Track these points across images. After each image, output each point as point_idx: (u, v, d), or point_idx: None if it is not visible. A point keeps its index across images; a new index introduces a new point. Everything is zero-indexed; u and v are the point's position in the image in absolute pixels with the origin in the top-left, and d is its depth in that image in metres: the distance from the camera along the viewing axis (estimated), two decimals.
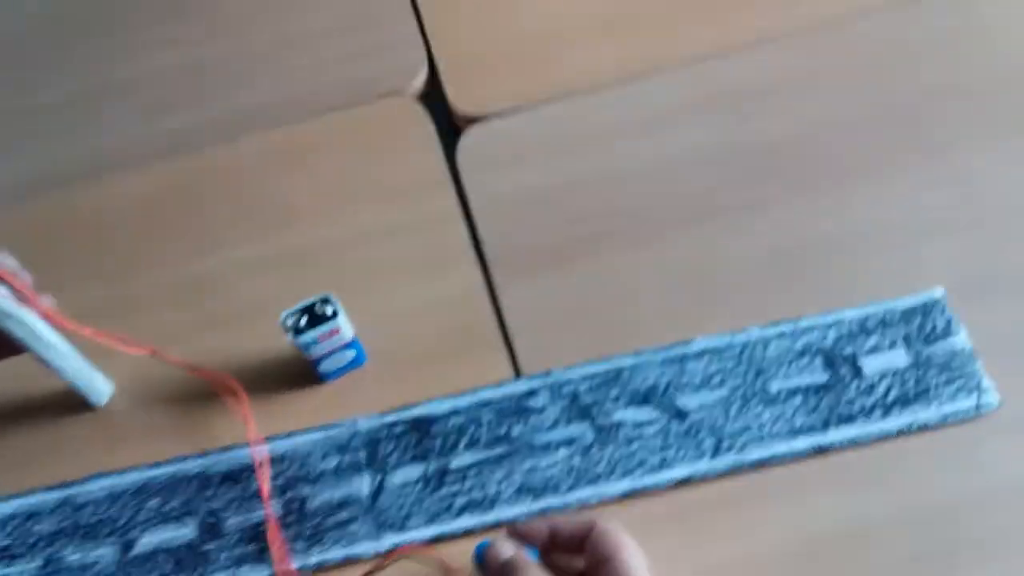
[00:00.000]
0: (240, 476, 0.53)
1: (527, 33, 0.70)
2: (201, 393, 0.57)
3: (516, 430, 0.53)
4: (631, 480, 0.51)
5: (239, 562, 0.51)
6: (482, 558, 0.46)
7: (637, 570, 0.44)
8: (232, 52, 0.72)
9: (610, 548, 0.44)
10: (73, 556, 0.52)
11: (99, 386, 0.57)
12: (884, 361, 0.53)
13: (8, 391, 0.58)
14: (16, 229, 0.64)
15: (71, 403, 0.57)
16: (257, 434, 0.54)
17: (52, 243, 0.64)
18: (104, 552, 0.52)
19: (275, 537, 0.50)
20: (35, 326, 0.51)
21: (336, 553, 0.50)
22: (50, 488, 0.54)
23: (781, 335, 0.54)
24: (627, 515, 0.50)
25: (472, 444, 0.53)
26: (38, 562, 0.52)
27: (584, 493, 0.51)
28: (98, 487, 0.54)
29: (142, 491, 0.53)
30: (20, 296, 0.51)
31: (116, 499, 0.53)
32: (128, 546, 0.52)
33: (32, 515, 0.53)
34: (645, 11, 0.69)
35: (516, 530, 0.47)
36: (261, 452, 0.53)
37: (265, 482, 0.52)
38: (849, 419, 0.51)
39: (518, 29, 0.70)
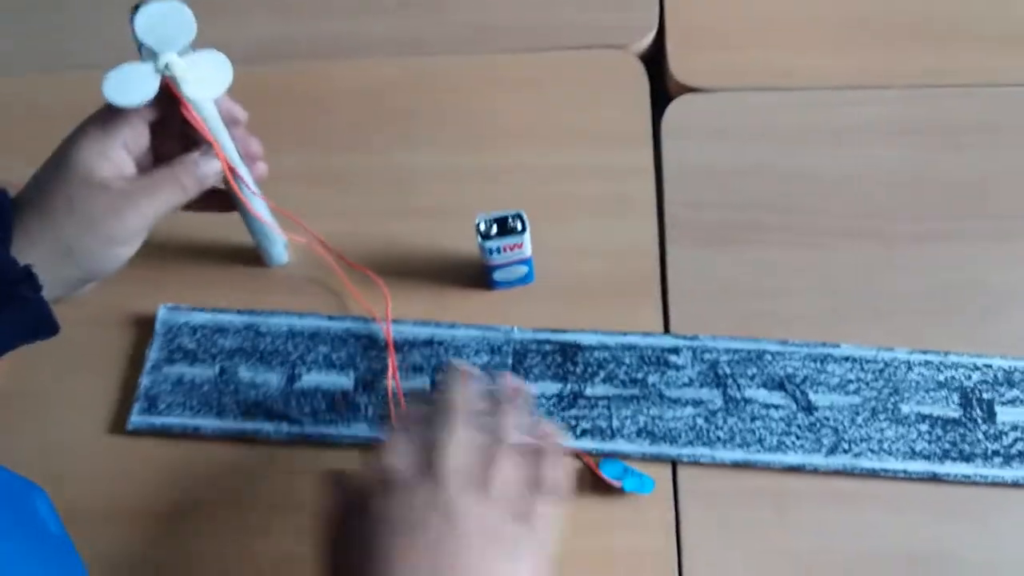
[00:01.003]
0: (401, 348, 0.59)
1: (758, 20, 0.72)
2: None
3: (652, 378, 0.57)
4: (745, 452, 0.55)
5: (382, 419, 0.57)
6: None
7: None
8: None
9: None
10: (246, 373, 0.59)
11: (280, 251, 0.63)
12: (1019, 415, 0.54)
13: (206, 238, 0.65)
14: (248, 89, 0.71)
15: (257, 258, 0.64)
16: (389, 319, 0.60)
17: (278, 107, 0.70)
18: (272, 377, 0.59)
19: (393, 408, 0.57)
20: (251, 185, 0.57)
21: None
22: (240, 312, 0.61)
23: (926, 363, 0.56)
24: (731, 484, 0.54)
25: (609, 379, 0.57)
26: (215, 370, 0.60)
27: (698, 451, 0.55)
28: (280, 322, 0.61)
29: (316, 336, 0.60)
30: (245, 158, 0.56)
31: (293, 336, 0.60)
32: (293, 378, 0.59)
33: (220, 330, 0.61)
34: (882, 30, 0.71)
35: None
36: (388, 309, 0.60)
37: (393, 358, 0.58)
38: (968, 458, 0.53)
39: (750, 15, 0.72)
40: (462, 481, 0.44)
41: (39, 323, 0.51)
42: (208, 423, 0.58)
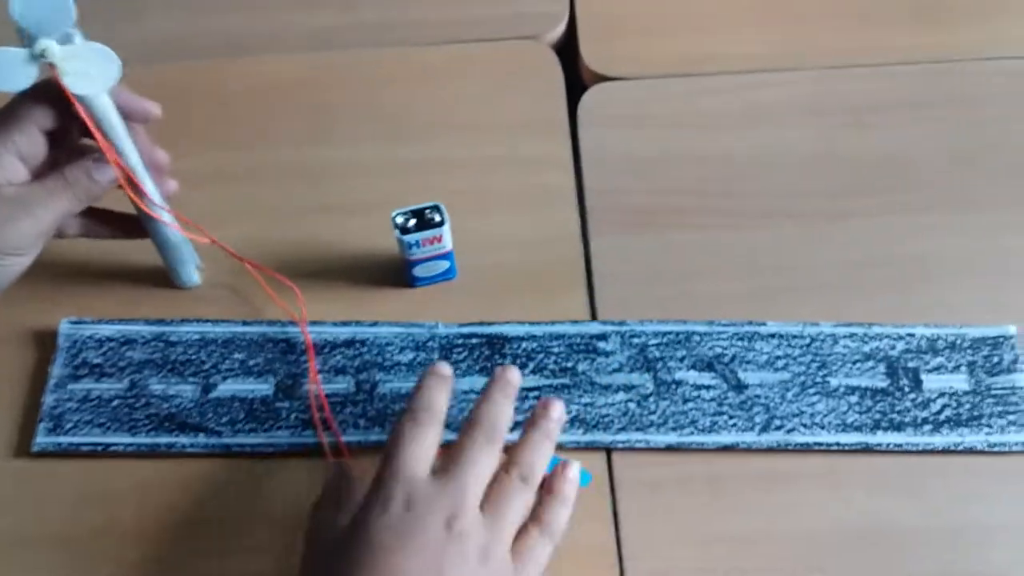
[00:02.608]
0: (322, 350, 0.57)
1: (668, 7, 0.72)
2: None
3: (582, 367, 0.56)
4: (679, 435, 0.54)
5: (305, 425, 0.55)
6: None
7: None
8: None
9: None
10: (157, 386, 0.56)
11: (191, 271, 0.59)
12: (944, 381, 0.55)
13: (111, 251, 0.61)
14: (151, 87, 0.68)
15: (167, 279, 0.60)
16: (305, 320, 0.58)
17: (183, 107, 0.68)
18: (186, 388, 0.56)
19: (325, 408, 0.55)
20: (154, 196, 0.54)
21: None
22: (149, 321, 0.58)
23: (851, 336, 0.56)
24: (666, 469, 0.54)
25: (539, 369, 0.56)
26: (124, 384, 0.56)
27: (632, 436, 0.54)
28: (191, 330, 0.58)
29: (230, 343, 0.58)
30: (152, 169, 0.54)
31: (206, 345, 0.58)
32: (208, 388, 0.56)
33: (127, 342, 0.58)
34: (789, 12, 0.72)
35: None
36: (312, 335, 0.58)
37: (313, 361, 0.56)
38: (899, 427, 0.53)
39: (661, 3, 0.72)
40: (476, 499, 0.45)
41: None
42: (119, 440, 0.55)
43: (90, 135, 0.49)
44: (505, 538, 0.44)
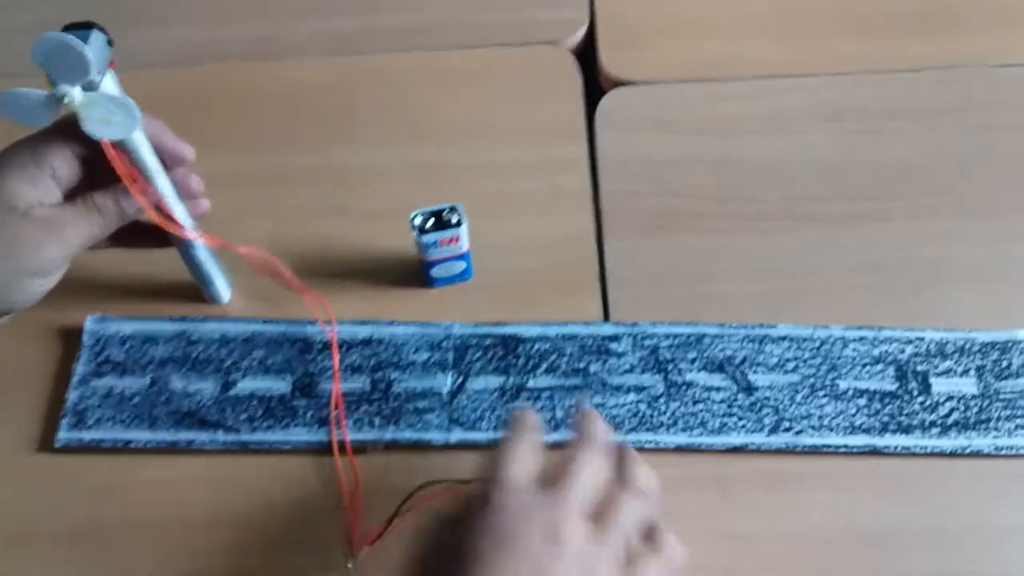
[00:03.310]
0: (339, 349, 0.58)
1: (687, 14, 0.73)
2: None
3: (594, 367, 0.57)
4: (688, 436, 0.55)
5: (322, 423, 0.56)
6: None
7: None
8: None
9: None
10: (178, 383, 0.58)
11: (220, 289, 0.60)
12: (953, 385, 0.55)
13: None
14: (178, 90, 0.70)
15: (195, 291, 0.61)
16: (330, 318, 0.59)
17: (208, 110, 0.70)
18: (205, 386, 0.57)
19: (340, 408, 0.56)
20: (186, 225, 0.55)
21: (408, 435, 0.55)
22: (171, 319, 0.60)
23: (861, 339, 0.57)
24: (676, 470, 0.54)
25: (551, 370, 0.57)
26: (146, 381, 0.58)
27: (642, 437, 0.55)
28: (212, 328, 0.59)
29: (250, 341, 0.59)
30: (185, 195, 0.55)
31: (226, 343, 0.59)
32: (228, 385, 0.57)
33: (150, 339, 0.59)
34: (806, 19, 0.72)
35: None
36: (334, 334, 0.58)
37: (337, 361, 0.57)
38: (907, 429, 0.54)
39: (678, 8, 0.73)
40: (581, 508, 0.43)
41: None
42: (140, 436, 0.56)
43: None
44: (611, 549, 0.43)
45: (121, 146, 0.49)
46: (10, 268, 0.50)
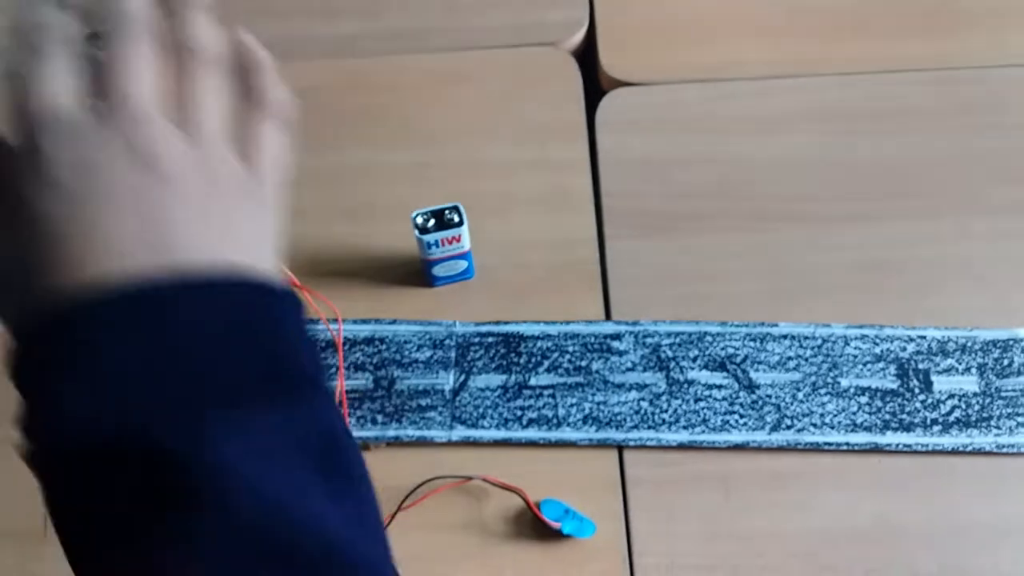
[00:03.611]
0: (343, 346, 0.58)
1: (685, 15, 0.73)
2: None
3: (596, 365, 0.57)
4: (690, 433, 0.55)
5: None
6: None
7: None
8: None
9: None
10: None
11: None
12: (955, 383, 0.55)
13: None
14: None
15: None
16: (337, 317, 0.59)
17: None
18: None
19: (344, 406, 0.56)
20: None
21: (411, 432, 0.55)
22: None
23: (862, 337, 0.57)
24: (677, 468, 0.55)
25: (553, 368, 0.57)
26: None
27: (644, 435, 0.55)
28: None
29: None
30: None
31: None
32: None
33: None
34: (804, 20, 0.72)
35: None
36: (340, 334, 0.59)
37: (342, 360, 0.58)
38: (908, 427, 0.54)
39: (677, 10, 0.73)
40: (156, 111, 0.31)
41: None
42: None
43: None
44: (217, 140, 0.32)
45: None
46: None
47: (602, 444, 0.55)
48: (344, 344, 0.59)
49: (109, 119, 0.30)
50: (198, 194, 0.31)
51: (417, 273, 0.61)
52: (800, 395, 0.55)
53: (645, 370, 0.57)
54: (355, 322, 0.59)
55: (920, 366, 0.56)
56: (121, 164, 0.30)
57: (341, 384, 0.57)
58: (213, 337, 0.29)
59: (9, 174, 0.30)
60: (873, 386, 0.55)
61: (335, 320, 0.59)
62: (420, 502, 0.52)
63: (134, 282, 0.28)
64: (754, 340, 0.57)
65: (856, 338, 0.57)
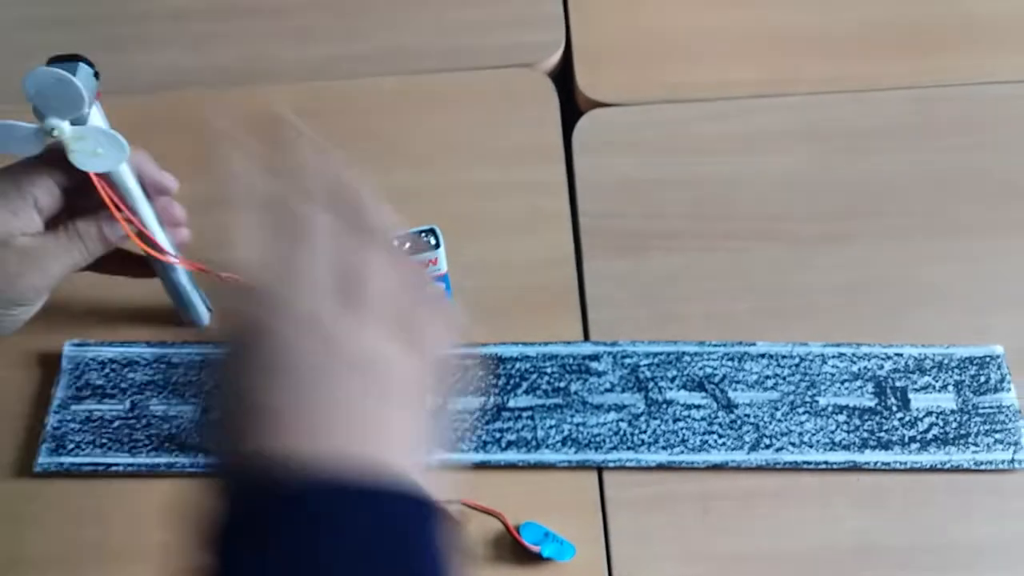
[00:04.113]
0: None
1: (661, 36, 0.74)
2: None
3: (574, 386, 0.57)
4: (669, 454, 0.55)
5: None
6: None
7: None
8: None
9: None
10: (158, 407, 0.57)
11: (200, 312, 0.60)
12: (932, 400, 0.55)
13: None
14: (155, 116, 0.70)
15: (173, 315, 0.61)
16: None
17: (185, 135, 0.69)
18: (186, 409, 0.57)
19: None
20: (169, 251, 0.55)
21: None
22: (150, 344, 0.60)
23: (840, 355, 0.57)
24: (657, 488, 0.54)
25: (532, 389, 0.57)
26: (126, 405, 0.58)
27: (623, 455, 0.55)
28: (192, 351, 0.59)
29: None
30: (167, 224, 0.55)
31: (206, 366, 0.59)
32: (208, 408, 0.57)
33: (130, 363, 0.59)
34: (781, 39, 0.73)
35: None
36: None
37: None
38: (887, 445, 0.54)
39: (654, 30, 0.74)
40: (383, 315, 0.35)
41: None
42: (119, 460, 0.56)
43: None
44: (415, 343, 0.36)
45: (107, 177, 0.49)
46: None
47: (581, 466, 0.55)
48: None
49: (343, 316, 0.35)
50: (393, 393, 0.35)
51: None
52: (779, 414, 0.55)
53: (624, 391, 0.57)
54: None
55: (897, 384, 0.56)
56: (342, 357, 0.34)
57: None
58: (378, 548, 0.32)
59: (245, 338, 0.35)
60: (851, 404, 0.56)
61: None
62: None
63: (335, 478, 0.32)
64: (732, 359, 0.57)
65: (833, 356, 0.57)
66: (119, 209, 0.50)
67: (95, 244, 0.52)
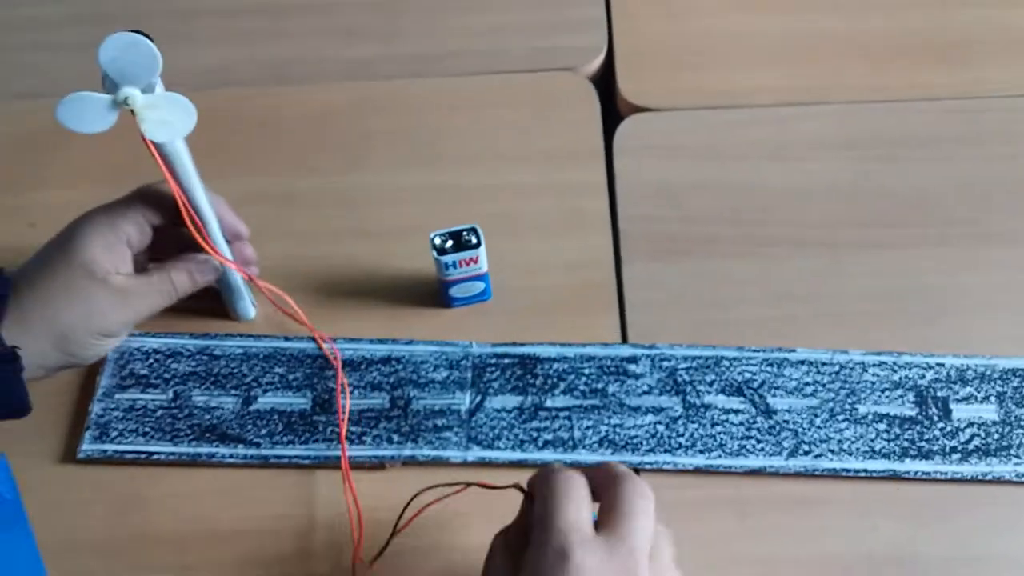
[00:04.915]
0: (359, 367, 0.59)
1: (703, 41, 0.74)
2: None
3: (612, 388, 0.57)
4: (706, 458, 0.55)
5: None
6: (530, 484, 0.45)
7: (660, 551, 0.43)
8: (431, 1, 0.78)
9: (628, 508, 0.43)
10: (200, 397, 0.58)
11: (247, 306, 0.62)
12: (974, 411, 0.55)
13: None
14: (198, 111, 0.71)
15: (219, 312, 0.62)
16: (327, 337, 0.59)
17: (226, 133, 0.70)
18: (227, 400, 0.58)
19: (342, 427, 0.56)
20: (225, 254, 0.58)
21: (427, 452, 0.55)
22: (194, 335, 0.60)
23: (881, 364, 0.57)
24: (694, 492, 0.54)
25: (569, 390, 0.57)
26: (169, 395, 0.58)
27: (660, 458, 0.55)
28: (235, 344, 0.60)
29: (271, 358, 0.59)
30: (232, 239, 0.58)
31: (248, 359, 0.59)
32: (249, 400, 0.58)
33: (173, 354, 0.60)
34: (819, 48, 0.73)
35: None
36: (334, 352, 0.59)
37: (342, 381, 0.58)
38: (927, 455, 0.54)
39: (695, 36, 0.74)
40: (646, 557, 0.42)
41: (11, 403, 0.52)
42: (161, 448, 0.56)
43: (187, 232, 0.53)
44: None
45: (166, 152, 0.50)
46: (85, 329, 0.54)
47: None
48: (361, 363, 0.59)
49: (618, 551, 0.41)
50: None
51: (434, 294, 0.61)
52: (818, 421, 0.55)
53: (661, 394, 0.57)
54: (371, 341, 0.60)
55: (939, 394, 0.56)
56: None
57: (339, 403, 0.57)
58: None
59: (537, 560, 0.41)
60: (891, 413, 0.55)
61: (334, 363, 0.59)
62: (418, 517, 0.51)
63: None
64: (771, 365, 0.57)
65: (874, 365, 0.57)
66: (204, 240, 0.54)
67: (184, 287, 0.57)
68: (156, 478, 0.56)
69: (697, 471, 0.54)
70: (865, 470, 0.54)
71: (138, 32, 0.46)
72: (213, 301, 0.61)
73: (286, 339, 0.60)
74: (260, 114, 0.72)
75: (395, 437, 0.56)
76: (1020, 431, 0.54)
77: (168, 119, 0.48)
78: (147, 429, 0.57)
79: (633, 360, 0.58)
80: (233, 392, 0.58)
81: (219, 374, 0.59)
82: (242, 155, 0.69)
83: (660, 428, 0.56)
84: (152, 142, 0.49)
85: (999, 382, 0.56)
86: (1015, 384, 0.56)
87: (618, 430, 0.56)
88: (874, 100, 0.70)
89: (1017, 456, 0.53)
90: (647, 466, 0.55)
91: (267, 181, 0.68)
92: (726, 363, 0.57)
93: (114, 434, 0.57)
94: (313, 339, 0.60)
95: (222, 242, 0.57)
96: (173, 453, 0.56)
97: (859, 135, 0.68)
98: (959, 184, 0.65)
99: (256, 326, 0.62)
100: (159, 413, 0.58)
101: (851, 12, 0.75)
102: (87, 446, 0.57)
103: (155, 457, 0.56)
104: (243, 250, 0.59)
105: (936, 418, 0.55)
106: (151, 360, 0.60)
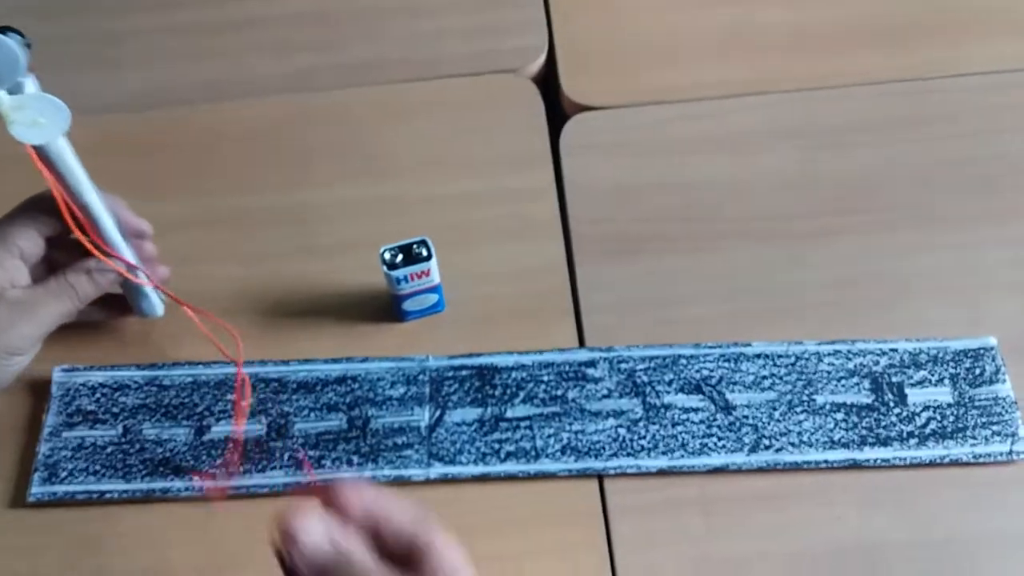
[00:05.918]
0: (314, 387, 0.57)
1: (645, 38, 0.73)
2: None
3: (572, 394, 0.57)
4: (669, 459, 0.54)
5: (299, 464, 0.55)
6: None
7: None
8: (363, 7, 0.76)
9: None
10: (151, 431, 0.57)
11: (155, 302, 0.60)
12: (928, 395, 0.56)
13: None
14: (133, 135, 0.69)
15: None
16: (240, 361, 0.57)
17: (165, 154, 0.69)
18: (179, 432, 0.57)
19: (233, 455, 0.55)
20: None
21: (388, 472, 0.55)
22: (140, 367, 0.59)
23: (835, 353, 0.57)
24: (659, 494, 0.54)
25: (529, 398, 0.57)
26: (118, 430, 0.57)
27: (623, 462, 0.54)
28: (184, 373, 0.59)
29: (222, 385, 0.58)
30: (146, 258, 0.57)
31: (198, 387, 0.58)
32: (202, 431, 0.57)
33: (120, 387, 0.58)
34: (760, 39, 0.73)
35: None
36: (245, 376, 0.57)
37: (245, 401, 0.57)
38: (885, 442, 0.54)
39: (637, 33, 0.74)
40: None
41: None
42: (114, 487, 0.55)
43: (83, 239, 0.51)
44: None
45: (46, 154, 0.48)
46: None
47: (582, 474, 0.54)
48: (316, 384, 0.58)
49: None
50: None
51: (387, 308, 0.60)
52: (776, 414, 0.55)
53: (621, 396, 0.56)
54: (325, 361, 0.59)
55: (894, 379, 0.56)
56: None
57: (239, 427, 0.56)
58: None
59: None
60: (848, 401, 0.56)
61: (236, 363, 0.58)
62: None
63: None
64: (728, 361, 0.57)
65: (829, 354, 0.57)
66: (100, 249, 0.52)
67: (85, 292, 0.55)
68: (110, 517, 0.55)
69: (660, 473, 0.54)
70: (826, 460, 0.54)
71: (4, 28, 0.44)
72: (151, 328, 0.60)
73: (233, 364, 0.59)
74: (198, 134, 0.70)
75: (355, 459, 0.55)
76: (975, 412, 0.55)
77: (39, 120, 0.46)
78: (97, 467, 0.55)
79: (591, 364, 0.58)
80: (185, 423, 0.57)
81: (169, 405, 0.58)
82: (181, 176, 0.68)
83: (622, 432, 0.55)
84: (30, 145, 0.47)
85: (952, 364, 0.56)
86: (967, 365, 0.56)
87: (580, 436, 0.55)
88: (817, 87, 0.70)
89: (973, 437, 0.54)
90: (611, 471, 0.54)
91: (209, 201, 0.67)
92: (684, 361, 0.57)
93: (64, 474, 0.55)
94: (266, 362, 0.59)
95: (120, 243, 0.55)
96: (126, 491, 0.55)
97: (804, 124, 0.68)
98: (906, 168, 0.66)
99: (203, 352, 0.60)
100: (109, 449, 0.56)
101: (790, 1, 0.75)
102: (36, 489, 0.55)
103: (107, 496, 0.55)
104: (143, 247, 0.57)
105: (892, 404, 0.55)
106: (98, 395, 0.58)
